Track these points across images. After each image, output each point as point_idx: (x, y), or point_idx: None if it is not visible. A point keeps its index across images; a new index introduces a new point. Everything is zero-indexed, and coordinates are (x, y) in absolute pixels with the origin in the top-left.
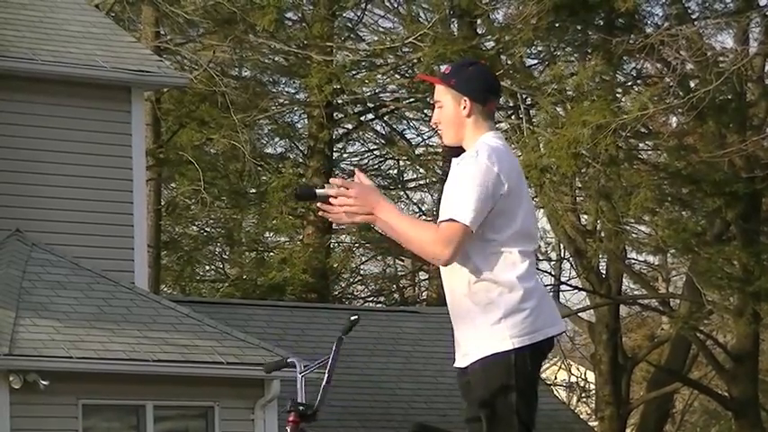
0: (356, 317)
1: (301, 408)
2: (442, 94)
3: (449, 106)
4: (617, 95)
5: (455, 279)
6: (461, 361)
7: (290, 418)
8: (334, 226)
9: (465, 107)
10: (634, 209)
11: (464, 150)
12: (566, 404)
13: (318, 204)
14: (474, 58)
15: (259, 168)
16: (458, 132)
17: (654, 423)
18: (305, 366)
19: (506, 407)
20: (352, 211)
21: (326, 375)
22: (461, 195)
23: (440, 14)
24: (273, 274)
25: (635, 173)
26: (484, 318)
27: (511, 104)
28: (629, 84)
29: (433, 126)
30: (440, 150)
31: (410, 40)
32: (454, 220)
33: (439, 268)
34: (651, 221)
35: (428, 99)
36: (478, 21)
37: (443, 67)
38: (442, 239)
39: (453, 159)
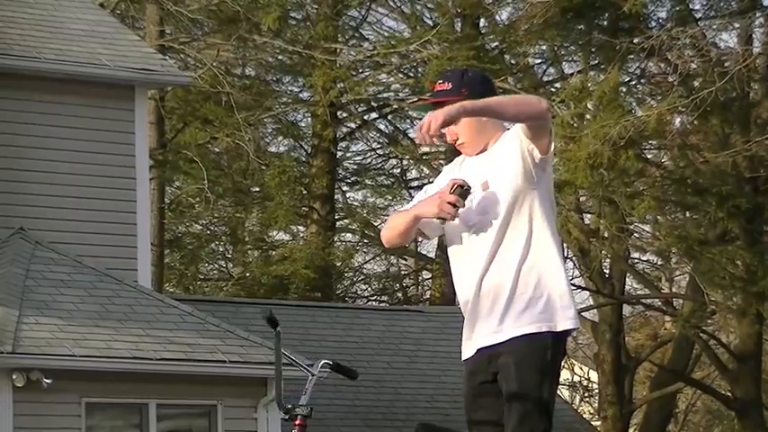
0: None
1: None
2: None
3: (469, 118)
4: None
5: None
6: (488, 339)
7: (297, 422)
8: (337, 225)
9: None
10: (638, 214)
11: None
12: (569, 404)
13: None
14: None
15: (263, 167)
16: (485, 137)
17: (657, 423)
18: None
19: (544, 391)
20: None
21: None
22: None
23: (446, 20)
24: (274, 267)
25: (639, 172)
26: (534, 300)
27: None
28: (633, 82)
29: (454, 144)
30: (443, 150)
31: (415, 45)
32: None
33: (450, 266)
34: (654, 227)
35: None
36: (482, 21)
37: (441, 85)
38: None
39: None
